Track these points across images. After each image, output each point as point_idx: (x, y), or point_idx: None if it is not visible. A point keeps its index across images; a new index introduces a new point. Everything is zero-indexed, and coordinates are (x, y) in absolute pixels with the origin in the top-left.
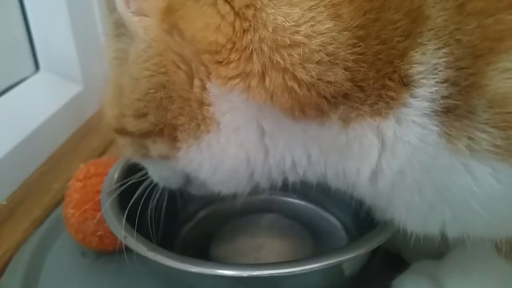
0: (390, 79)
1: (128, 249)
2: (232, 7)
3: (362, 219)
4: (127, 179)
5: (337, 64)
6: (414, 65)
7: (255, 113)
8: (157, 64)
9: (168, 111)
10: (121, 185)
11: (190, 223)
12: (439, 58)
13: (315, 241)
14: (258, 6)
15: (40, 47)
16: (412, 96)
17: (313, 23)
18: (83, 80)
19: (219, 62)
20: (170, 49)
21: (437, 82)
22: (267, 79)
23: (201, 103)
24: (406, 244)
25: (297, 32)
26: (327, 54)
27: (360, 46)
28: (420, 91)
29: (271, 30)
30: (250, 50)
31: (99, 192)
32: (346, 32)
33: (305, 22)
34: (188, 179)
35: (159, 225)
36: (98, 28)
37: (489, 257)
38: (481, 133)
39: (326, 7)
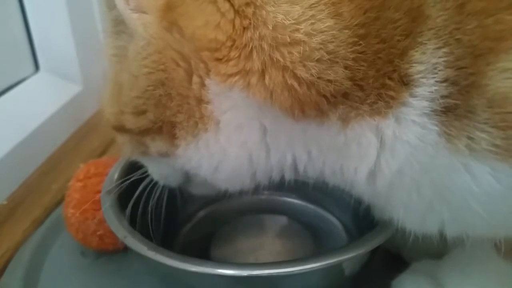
0: (390, 78)
1: (128, 249)
2: (232, 5)
3: (362, 218)
4: (128, 177)
5: (337, 62)
6: (414, 64)
7: (256, 112)
8: (156, 61)
9: (167, 109)
10: (121, 183)
11: (189, 223)
12: (439, 57)
13: (315, 241)
14: (258, 4)
15: (40, 48)
16: (412, 95)
17: (313, 21)
18: (82, 80)
19: (219, 60)
20: (170, 47)
21: (436, 81)
22: (267, 77)
23: (200, 101)
24: (405, 244)
25: (297, 30)
26: (327, 53)
27: (360, 44)
28: (419, 91)
29: (271, 28)
30: (250, 48)
31: (99, 192)
32: (346, 31)
33: (305, 20)
34: (188, 177)
35: (159, 225)
36: (98, 29)
37: (488, 257)
38: (480, 133)
39: (326, 5)
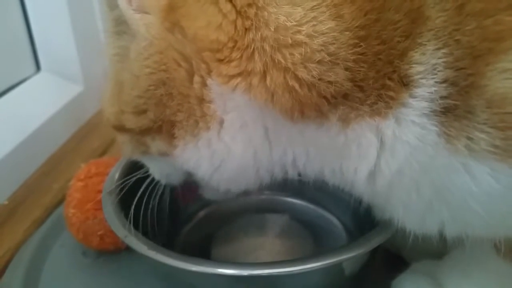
0: (389, 79)
1: (129, 249)
2: (234, 6)
3: (362, 218)
4: (129, 176)
5: (338, 64)
6: (413, 65)
7: (257, 113)
8: (158, 61)
9: (167, 108)
10: (122, 183)
11: (190, 224)
12: (439, 58)
13: (315, 240)
14: (260, 5)
15: (41, 48)
16: (412, 96)
17: (315, 23)
18: (83, 80)
19: (221, 60)
20: (172, 47)
21: (436, 82)
22: (268, 78)
23: (201, 100)
24: (405, 244)
25: (299, 31)
26: (328, 54)
27: (361, 46)
28: (419, 91)
29: (273, 29)
30: (252, 49)
31: (100, 191)
32: (347, 32)
33: (307, 22)
34: (190, 176)
35: (163, 225)
36: (99, 29)
37: (488, 257)
38: (480, 133)
39: (328, 7)
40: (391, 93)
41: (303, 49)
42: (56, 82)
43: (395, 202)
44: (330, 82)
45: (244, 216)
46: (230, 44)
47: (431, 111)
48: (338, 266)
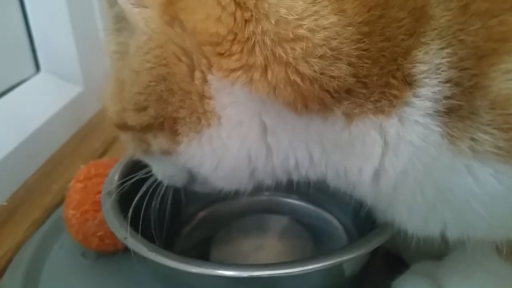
0: (393, 77)
1: (128, 250)
2: None
3: (362, 220)
4: (128, 177)
5: (340, 59)
6: (417, 64)
7: (257, 108)
8: (158, 56)
9: (169, 104)
10: (121, 184)
11: (190, 224)
12: (442, 58)
13: (315, 242)
14: None
15: (40, 48)
16: (415, 95)
17: (316, 17)
18: (83, 81)
19: (221, 54)
20: (171, 41)
21: (440, 82)
22: (269, 72)
23: (202, 96)
24: (406, 245)
25: (301, 26)
26: (331, 49)
27: (364, 42)
28: (423, 91)
29: (273, 23)
30: (252, 42)
31: (99, 192)
32: (350, 28)
33: (308, 16)
34: (192, 176)
35: (163, 226)
36: (98, 29)
37: (489, 259)
38: (483, 135)
39: (330, 1)
40: (394, 92)
41: (304, 44)
42: (56, 82)
43: (398, 205)
44: (332, 77)
45: (244, 217)
46: (230, 37)
47: (434, 111)
48: (338, 267)
